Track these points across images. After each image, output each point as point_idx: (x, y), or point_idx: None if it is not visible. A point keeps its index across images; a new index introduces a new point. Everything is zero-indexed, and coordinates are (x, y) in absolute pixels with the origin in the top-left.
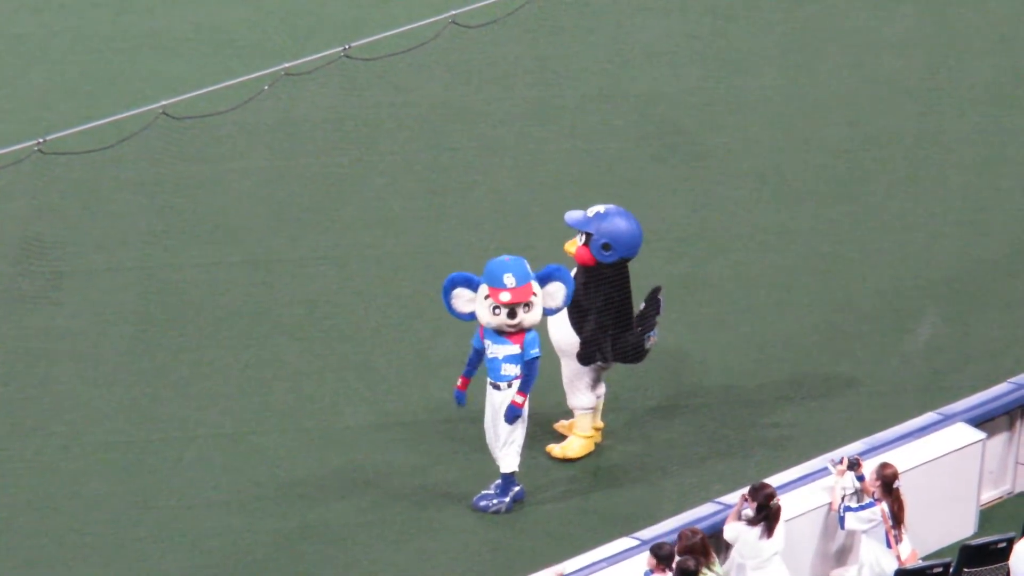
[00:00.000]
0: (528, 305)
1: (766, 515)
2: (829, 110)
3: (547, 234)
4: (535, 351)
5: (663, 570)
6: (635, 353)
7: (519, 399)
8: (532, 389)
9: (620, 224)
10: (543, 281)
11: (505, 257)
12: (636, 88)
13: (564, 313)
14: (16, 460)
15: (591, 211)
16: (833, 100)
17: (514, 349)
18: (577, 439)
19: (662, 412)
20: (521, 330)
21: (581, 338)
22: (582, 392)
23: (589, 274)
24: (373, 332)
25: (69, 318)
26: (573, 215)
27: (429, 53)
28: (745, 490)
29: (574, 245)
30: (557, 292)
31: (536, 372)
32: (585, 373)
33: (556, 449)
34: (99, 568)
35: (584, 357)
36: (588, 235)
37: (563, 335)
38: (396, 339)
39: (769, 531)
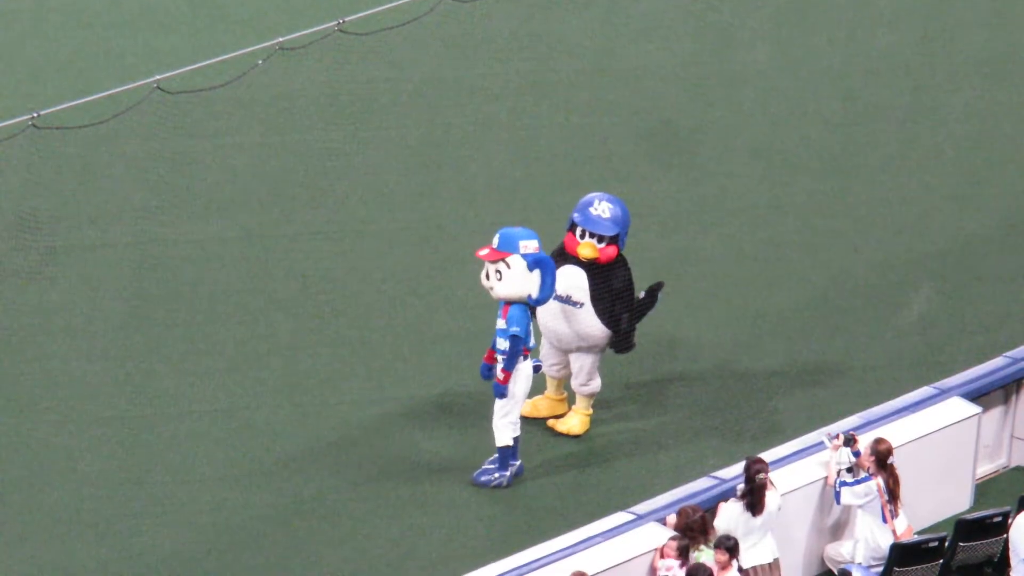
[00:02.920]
0: (498, 273)
1: (751, 489)
2: (822, 84)
3: (541, 208)
4: (515, 328)
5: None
6: (629, 341)
7: (501, 376)
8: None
9: (624, 210)
10: (532, 265)
11: (522, 229)
12: (630, 63)
13: (590, 308)
14: (10, 435)
15: (605, 211)
16: (826, 74)
17: (502, 323)
18: (577, 415)
19: (656, 387)
20: (508, 303)
21: (622, 329)
22: (596, 379)
23: (614, 267)
24: (368, 307)
25: (63, 293)
26: (606, 224)
27: (423, 28)
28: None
29: (589, 248)
30: (534, 282)
31: (518, 350)
32: (599, 361)
33: (561, 425)
34: (93, 544)
35: (622, 345)
36: (616, 235)
37: (594, 329)
38: (391, 314)
39: (754, 507)
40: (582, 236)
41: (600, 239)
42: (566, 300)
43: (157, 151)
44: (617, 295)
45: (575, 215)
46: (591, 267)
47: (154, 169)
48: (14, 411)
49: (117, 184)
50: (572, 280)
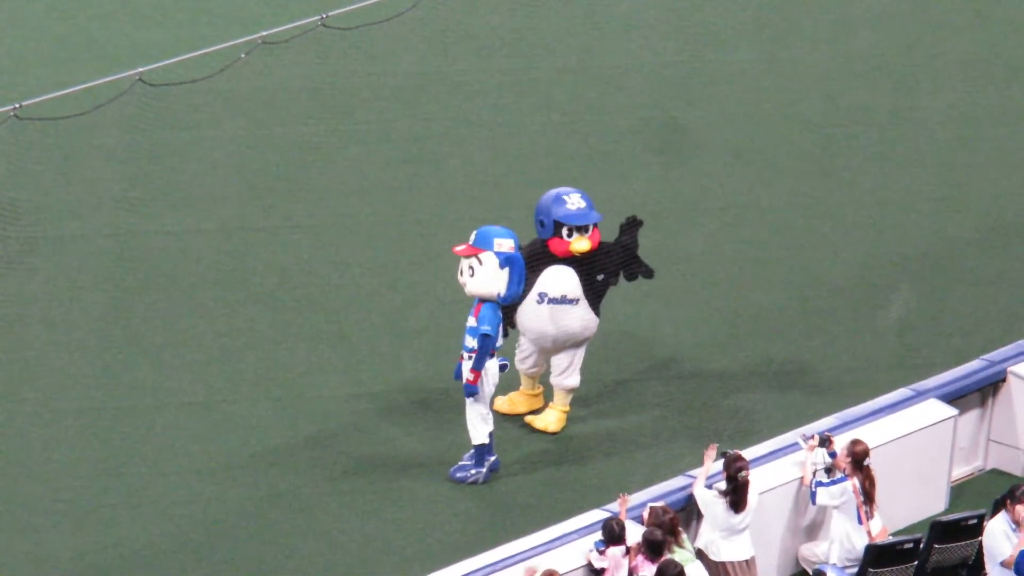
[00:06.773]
0: (471, 269)
1: (734, 487)
2: (804, 85)
3: (520, 205)
4: (486, 327)
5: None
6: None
7: (471, 376)
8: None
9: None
10: (503, 263)
11: (500, 227)
12: (612, 61)
13: (584, 303)
14: None
15: (580, 201)
16: (808, 75)
17: (473, 322)
18: (554, 412)
19: (633, 385)
20: (480, 301)
21: (651, 271)
22: (576, 374)
23: (599, 251)
24: (346, 301)
25: (42, 284)
26: (591, 213)
27: (406, 23)
28: (709, 450)
29: (583, 241)
30: (504, 279)
31: (487, 349)
32: (581, 357)
33: (538, 422)
34: (69, 535)
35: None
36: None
37: (586, 323)
38: (369, 308)
39: (736, 504)
40: (569, 235)
41: (585, 228)
42: (561, 300)
43: (138, 143)
44: (630, 257)
45: (557, 216)
46: (578, 259)
47: (135, 161)
48: None
49: (97, 176)
50: (564, 280)
